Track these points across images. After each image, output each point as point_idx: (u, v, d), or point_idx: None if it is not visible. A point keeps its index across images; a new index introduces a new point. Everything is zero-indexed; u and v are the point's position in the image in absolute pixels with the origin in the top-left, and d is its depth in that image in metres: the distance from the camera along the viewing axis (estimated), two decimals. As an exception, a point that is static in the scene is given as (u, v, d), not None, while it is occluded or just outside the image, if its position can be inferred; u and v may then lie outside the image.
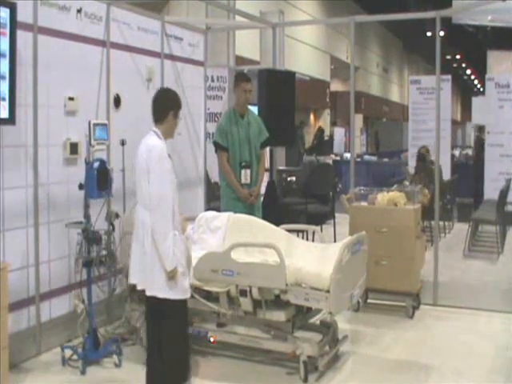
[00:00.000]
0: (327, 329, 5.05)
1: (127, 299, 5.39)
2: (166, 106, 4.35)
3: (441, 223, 9.50)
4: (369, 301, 6.40)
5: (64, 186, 5.33)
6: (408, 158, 12.95)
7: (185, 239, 4.40)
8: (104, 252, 5.04)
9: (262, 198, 6.50)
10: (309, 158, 15.50)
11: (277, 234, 5.28)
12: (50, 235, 5.20)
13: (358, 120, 26.62)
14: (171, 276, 4.13)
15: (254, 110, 6.83)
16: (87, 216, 4.88)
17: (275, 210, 7.12)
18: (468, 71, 41.20)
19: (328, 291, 4.43)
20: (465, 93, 45.24)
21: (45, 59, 5.10)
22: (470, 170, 13.42)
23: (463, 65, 39.24)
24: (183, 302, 4.29)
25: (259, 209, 6.22)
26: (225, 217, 5.24)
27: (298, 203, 9.18)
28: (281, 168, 10.94)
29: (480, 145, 13.17)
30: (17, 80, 4.65)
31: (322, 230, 6.28)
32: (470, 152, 18.68)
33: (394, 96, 37.71)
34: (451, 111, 13.14)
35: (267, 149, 7.11)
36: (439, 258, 6.68)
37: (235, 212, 5.50)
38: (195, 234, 5.17)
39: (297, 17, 19.85)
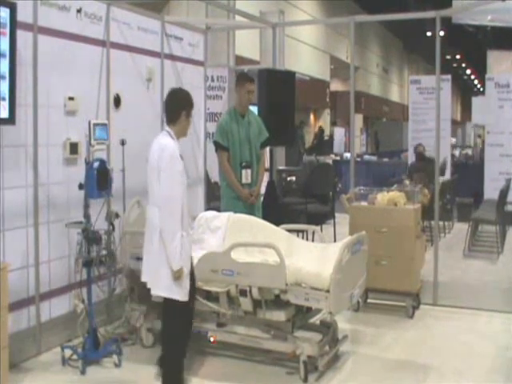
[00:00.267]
0: (327, 329, 5.05)
1: (127, 299, 5.40)
2: (178, 106, 4.37)
3: (441, 223, 9.49)
4: (369, 301, 6.40)
5: (64, 185, 5.33)
6: (408, 158, 12.97)
7: (191, 240, 4.41)
8: (104, 252, 5.04)
9: (261, 198, 6.50)
10: (309, 158, 15.50)
11: (277, 233, 5.28)
12: (49, 235, 5.20)
13: (357, 120, 26.63)
14: (177, 276, 4.14)
15: (254, 109, 6.82)
16: (87, 216, 4.88)
17: (275, 210, 7.12)
18: (468, 71, 41.22)
19: (328, 291, 4.43)
20: (465, 93, 45.26)
21: (45, 59, 5.10)
22: (470, 170, 13.43)
23: (463, 65, 39.25)
24: (184, 302, 4.30)
25: (259, 209, 6.22)
26: (225, 217, 5.25)
27: (297, 203, 9.18)
28: (281, 168, 10.94)
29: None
30: (17, 80, 4.64)
31: (321, 230, 6.27)
32: (469, 152, 18.69)
33: (394, 96, 37.73)
34: (451, 111, 13.15)
35: (267, 149, 7.10)
36: (439, 258, 6.67)
37: (235, 212, 5.49)
38: (195, 234, 5.17)
39: (297, 17, 19.86)
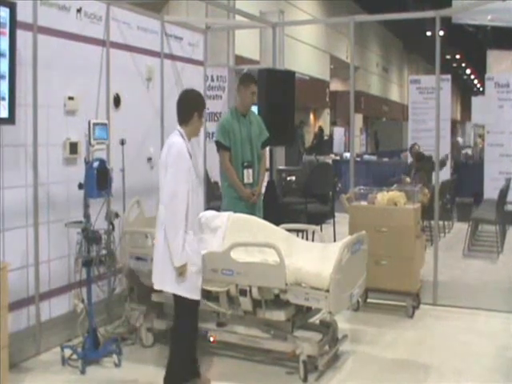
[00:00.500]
0: (327, 328, 5.06)
1: (127, 299, 5.40)
2: (190, 107, 4.39)
3: (440, 223, 9.50)
4: (368, 300, 6.40)
5: (64, 185, 5.33)
6: (408, 158, 12.97)
7: (200, 240, 4.41)
8: (104, 251, 5.04)
9: (262, 198, 6.49)
10: (308, 158, 15.51)
11: (277, 233, 5.28)
12: (49, 235, 5.20)
13: (357, 120, 26.64)
14: (180, 272, 4.16)
15: (254, 109, 6.82)
16: (87, 215, 4.88)
17: (275, 210, 7.12)
18: (468, 71, 41.21)
19: (328, 291, 4.43)
20: (464, 92, 45.24)
21: (44, 59, 5.10)
22: (470, 170, 13.43)
23: (463, 64, 39.24)
24: (195, 302, 4.31)
25: (260, 209, 6.21)
26: (225, 216, 5.24)
27: (297, 203, 9.18)
28: (280, 168, 10.95)
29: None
30: (16, 80, 4.65)
31: (321, 230, 6.27)
32: (469, 152, 18.69)
33: (394, 96, 37.73)
34: (451, 111, 13.15)
35: (267, 148, 7.10)
36: (439, 258, 6.67)
37: (237, 212, 5.49)
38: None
39: (297, 16, 19.86)
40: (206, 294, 4.85)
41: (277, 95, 7.30)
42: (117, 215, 5.27)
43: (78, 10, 5.49)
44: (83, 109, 5.50)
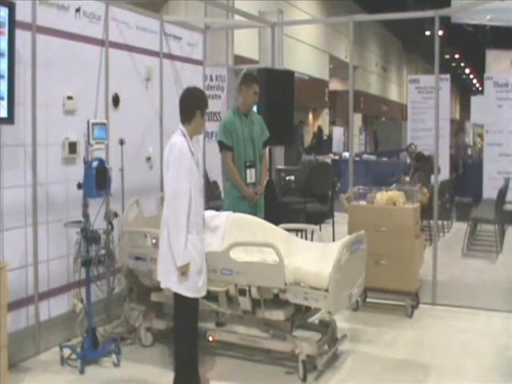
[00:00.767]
0: (326, 328, 5.06)
1: (126, 298, 5.40)
2: (193, 105, 4.39)
3: (440, 222, 9.50)
4: (368, 300, 6.40)
5: (63, 185, 5.33)
6: (407, 158, 12.97)
7: (203, 240, 4.41)
8: (103, 251, 5.03)
9: (263, 197, 6.49)
10: (308, 158, 15.51)
11: (276, 233, 5.28)
12: (48, 234, 5.20)
13: (356, 119, 26.65)
14: (182, 272, 4.17)
15: (253, 109, 6.81)
16: (86, 215, 4.88)
17: (274, 210, 7.11)
18: (467, 70, 41.22)
19: (327, 290, 4.43)
20: (464, 92, 45.25)
21: (43, 58, 5.10)
22: (469, 169, 13.44)
23: (462, 64, 39.25)
24: (195, 301, 4.32)
25: (261, 208, 6.21)
26: (224, 216, 5.24)
27: (296, 202, 9.18)
28: (280, 167, 10.94)
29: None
30: (15, 79, 4.65)
31: (320, 229, 6.29)
32: (468, 151, 18.68)
33: (393, 95, 37.74)
34: (450, 110, 13.17)
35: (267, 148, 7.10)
36: (438, 257, 6.67)
37: (239, 211, 5.50)
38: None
39: (296, 16, 19.86)
40: (205, 294, 4.85)
41: (276, 95, 7.30)
42: (116, 215, 5.26)
43: (77, 10, 5.49)
44: (82, 108, 5.49)
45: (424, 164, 10.20)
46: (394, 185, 7.55)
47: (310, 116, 26.43)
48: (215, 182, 8.00)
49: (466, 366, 4.97)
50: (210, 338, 4.97)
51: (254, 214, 5.83)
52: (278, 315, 4.71)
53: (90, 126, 4.96)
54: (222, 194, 6.49)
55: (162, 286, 4.38)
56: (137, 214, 5.50)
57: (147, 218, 5.55)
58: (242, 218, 5.36)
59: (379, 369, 4.92)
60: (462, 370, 4.88)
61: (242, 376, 4.75)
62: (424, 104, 12.57)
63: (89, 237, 4.86)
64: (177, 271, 4.19)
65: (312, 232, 6.37)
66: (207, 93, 8.01)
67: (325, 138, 22.64)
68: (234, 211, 5.47)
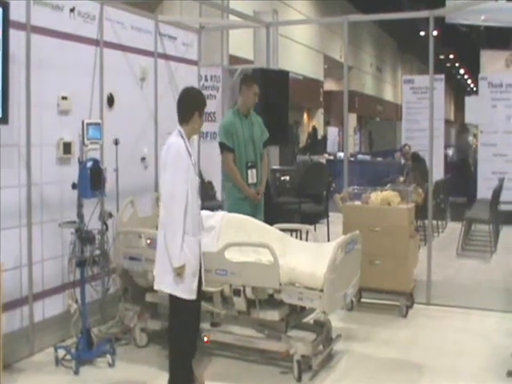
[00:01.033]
0: (321, 328, 5.06)
1: (121, 299, 5.39)
2: (191, 106, 4.37)
3: (434, 222, 9.51)
4: (362, 300, 6.41)
5: (57, 185, 5.32)
6: (401, 158, 12.99)
7: (200, 241, 4.40)
8: (97, 252, 5.03)
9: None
10: (303, 158, 15.51)
11: (271, 233, 5.28)
12: (43, 235, 5.19)
13: (351, 119, 26.66)
14: (178, 273, 4.16)
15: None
16: (80, 216, 4.87)
17: (269, 210, 7.11)
18: (461, 71, 41.29)
19: (322, 290, 4.43)
20: (458, 92, 45.32)
21: (38, 58, 5.09)
22: (464, 169, 13.45)
23: (456, 64, 39.32)
24: (191, 302, 4.30)
25: (261, 209, 6.23)
26: (219, 216, 5.24)
27: (291, 202, 9.18)
28: (275, 167, 10.94)
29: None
30: (10, 79, 4.63)
31: (315, 230, 6.26)
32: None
33: (388, 95, 37.78)
34: (444, 111, 13.18)
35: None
36: (432, 257, 6.69)
37: (241, 212, 5.52)
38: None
39: (291, 16, 19.87)
40: (200, 295, 4.85)
41: (271, 95, 7.30)
42: (110, 215, 5.26)
43: (72, 10, 5.48)
44: (77, 108, 5.48)
45: (419, 164, 10.22)
46: (388, 185, 7.56)
47: (305, 116, 26.44)
48: (210, 182, 8.00)
49: (461, 365, 4.98)
50: (205, 339, 4.97)
51: (255, 214, 5.88)
52: (273, 315, 4.72)
53: (85, 126, 4.96)
54: (223, 195, 6.49)
55: (155, 287, 4.37)
56: (131, 214, 5.50)
57: (142, 218, 5.54)
58: (237, 218, 5.36)
59: (374, 368, 4.93)
60: (457, 370, 4.89)
61: (237, 376, 4.75)
62: (418, 104, 12.58)
63: (83, 237, 4.85)
64: (173, 272, 4.18)
65: (307, 232, 6.38)
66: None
67: (319, 138, 22.65)
68: (236, 212, 5.49)
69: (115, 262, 5.26)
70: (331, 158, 17.56)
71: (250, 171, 6.07)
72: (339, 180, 10.95)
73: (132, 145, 6.25)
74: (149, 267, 4.95)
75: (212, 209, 5.87)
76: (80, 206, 4.88)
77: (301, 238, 7.37)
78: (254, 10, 10.05)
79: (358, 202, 6.44)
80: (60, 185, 5.32)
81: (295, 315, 4.97)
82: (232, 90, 8.64)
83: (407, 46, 36.39)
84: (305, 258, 4.85)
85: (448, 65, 38.08)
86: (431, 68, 6.77)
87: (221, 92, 8.46)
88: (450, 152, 17.38)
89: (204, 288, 4.71)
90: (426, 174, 7.89)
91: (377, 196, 6.27)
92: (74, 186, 4.87)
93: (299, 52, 21.76)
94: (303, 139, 22.73)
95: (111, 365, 4.87)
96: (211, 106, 8.31)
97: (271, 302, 4.74)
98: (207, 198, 7.78)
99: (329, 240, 7.35)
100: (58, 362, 4.87)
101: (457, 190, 12.17)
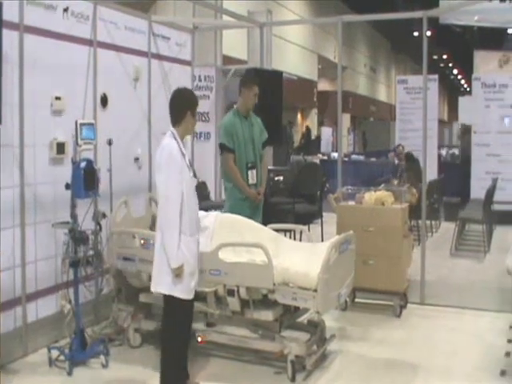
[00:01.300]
0: (315, 328, 5.06)
1: (114, 299, 5.38)
2: (183, 106, 4.36)
3: (428, 222, 9.54)
4: (356, 300, 6.42)
5: (51, 185, 5.30)
6: (395, 159, 13.00)
7: (197, 241, 4.40)
8: (91, 252, 5.02)
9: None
10: (296, 158, 15.51)
11: (264, 233, 5.28)
12: (36, 235, 5.18)
13: (345, 119, 26.68)
14: (177, 274, 4.15)
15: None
16: (74, 216, 4.86)
17: (263, 210, 7.11)
18: (455, 71, 41.41)
19: (315, 290, 4.43)
20: (452, 92, 45.43)
21: (31, 58, 5.08)
22: (457, 170, 13.48)
23: (450, 65, 39.43)
24: (187, 302, 4.31)
25: (260, 210, 6.23)
26: (212, 216, 5.25)
27: (285, 203, 9.17)
28: (268, 167, 10.92)
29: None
30: (3, 79, 4.62)
31: (309, 230, 6.26)
32: (456, 151, 18.77)
33: (382, 96, 37.84)
34: (438, 111, 13.20)
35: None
36: (426, 257, 6.70)
37: (241, 213, 5.53)
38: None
39: (284, 16, 19.87)
40: (194, 295, 4.84)
41: (264, 95, 7.28)
42: (104, 215, 5.25)
43: (65, 10, 5.47)
44: (70, 109, 5.47)
45: (413, 164, 10.24)
46: (382, 185, 7.57)
47: (299, 116, 26.46)
48: (204, 183, 7.99)
49: (454, 365, 4.99)
50: (199, 339, 4.97)
51: (255, 214, 5.93)
52: (267, 315, 4.72)
53: (78, 126, 4.94)
54: (222, 196, 6.48)
55: (153, 289, 4.35)
56: (125, 214, 5.49)
57: (136, 218, 5.53)
58: (230, 218, 5.36)
59: (368, 368, 4.93)
60: (450, 369, 4.90)
61: (231, 376, 4.75)
62: (412, 104, 12.61)
63: (77, 237, 4.84)
64: (171, 273, 4.17)
65: (300, 232, 6.37)
66: (196, 93, 8.01)
67: (313, 138, 22.67)
68: (236, 212, 5.51)
69: (109, 263, 5.25)
70: (325, 158, 17.59)
71: (250, 172, 6.08)
72: (333, 180, 10.96)
73: (125, 145, 6.24)
74: (142, 267, 4.95)
75: (206, 209, 5.88)
76: (73, 206, 4.86)
77: (294, 239, 7.37)
78: (248, 10, 10.03)
79: (351, 202, 6.44)
80: (53, 185, 5.30)
81: (289, 315, 4.97)
82: (225, 91, 8.63)
83: (401, 46, 36.46)
84: (298, 258, 4.85)
85: (442, 65, 38.19)
86: (425, 68, 6.79)
87: (214, 92, 8.45)
88: (444, 152, 17.44)
89: (198, 288, 4.72)
90: (419, 174, 7.90)
91: (370, 196, 6.27)
92: (67, 187, 4.86)
93: (293, 52, 21.77)
94: (297, 139, 22.75)
95: (105, 365, 4.86)
96: (205, 106, 8.32)
97: (265, 302, 4.74)
98: (201, 198, 7.75)
99: (323, 240, 7.35)
100: (51, 362, 4.86)
101: (456, 190, 12.20)
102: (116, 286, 5.36)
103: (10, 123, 4.89)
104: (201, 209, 5.70)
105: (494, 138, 11.57)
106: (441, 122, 22.57)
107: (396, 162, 12.61)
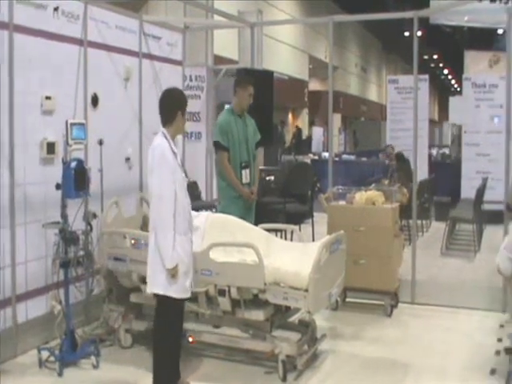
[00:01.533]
0: (306, 328, 5.06)
1: (105, 300, 5.36)
2: (174, 106, 4.37)
3: (418, 222, 9.56)
4: (347, 299, 6.42)
5: (41, 186, 5.28)
6: (385, 159, 13.02)
7: (191, 240, 4.39)
8: (81, 252, 5.01)
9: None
10: (287, 158, 15.51)
11: (255, 233, 5.28)
12: (26, 236, 5.15)
13: (336, 119, 26.71)
14: (172, 274, 4.15)
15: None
16: (64, 216, 4.85)
17: (254, 210, 7.12)
18: (445, 71, 41.56)
19: (306, 290, 4.44)
20: (442, 92, 45.61)
21: (21, 58, 5.05)
22: (448, 169, 13.52)
23: (440, 65, 39.56)
24: (181, 302, 4.31)
25: (253, 210, 6.24)
26: (203, 216, 5.24)
27: (276, 202, 9.17)
28: (259, 167, 10.92)
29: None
30: (-8, 79, 4.60)
31: (300, 230, 6.28)
32: (447, 151, 18.84)
33: (373, 95, 37.92)
34: (429, 111, 13.24)
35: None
36: (417, 257, 6.72)
37: (234, 212, 5.54)
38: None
39: (275, 16, 19.88)
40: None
41: (255, 95, 7.28)
42: (95, 216, 5.24)
43: (55, 9, 5.45)
44: (60, 108, 5.45)
45: (403, 164, 10.26)
46: (373, 185, 7.58)
47: (290, 116, 26.47)
48: (195, 182, 7.98)
49: (445, 363, 5.01)
50: (190, 339, 4.96)
51: (248, 214, 5.96)
52: (258, 315, 4.72)
53: (69, 126, 4.93)
54: (214, 194, 6.48)
55: (148, 290, 4.34)
56: (116, 214, 5.47)
57: (126, 218, 5.52)
58: (221, 218, 5.36)
59: (359, 368, 4.94)
60: (441, 368, 4.92)
61: (222, 376, 4.75)
62: (403, 104, 12.62)
63: (67, 238, 4.82)
64: (164, 274, 4.17)
65: (291, 232, 6.38)
66: (187, 93, 7.98)
67: (304, 138, 22.69)
68: (230, 211, 5.55)
69: (99, 263, 5.23)
70: (316, 157, 17.59)
71: (243, 171, 6.11)
72: (324, 180, 10.96)
73: (116, 145, 6.22)
74: (133, 268, 4.94)
75: (197, 209, 5.87)
76: (64, 206, 4.85)
77: (285, 238, 7.38)
78: (239, 10, 10.02)
79: (342, 202, 6.46)
80: (44, 185, 5.28)
81: (280, 315, 4.97)
82: (216, 90, 8.62)
83: (392, 46, 36.56)
84: (289, 257, 4.85)
85: (432, 65, 38.32)
86: (415, 68, 6.80)
87: (205, 92, 8.44)
88: (435, 152, 17.50)
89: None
90: (410, 174, 7.92)
91: (361, 196, 6.28)
92: (57, 187, 4.84)
93: (284, 52, 21.78)
94: (288, 139, 22.76)
95: (95, 366, 4.84)
96: (196, 106, 8.31)
97: (256, 301, 4.74)
98: (192, 198, 7.74)
99: (313, 240, 7.36)
100: (41, 363, 4.84)
101: (446, 190, 12.24)
102: (107, 287, 5.35)
103: (-1, 123, 4.87)
104: (192, 209, 5.71)
105: (484, 138, 11.59)
106: (431, 121, 22.64)
107: (387, 162, 12.63)
